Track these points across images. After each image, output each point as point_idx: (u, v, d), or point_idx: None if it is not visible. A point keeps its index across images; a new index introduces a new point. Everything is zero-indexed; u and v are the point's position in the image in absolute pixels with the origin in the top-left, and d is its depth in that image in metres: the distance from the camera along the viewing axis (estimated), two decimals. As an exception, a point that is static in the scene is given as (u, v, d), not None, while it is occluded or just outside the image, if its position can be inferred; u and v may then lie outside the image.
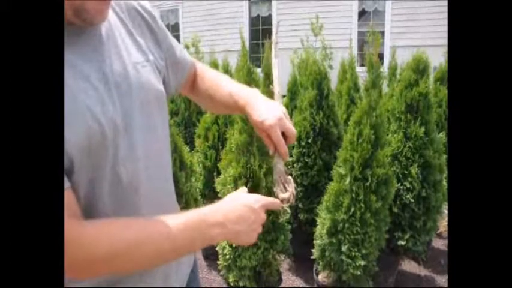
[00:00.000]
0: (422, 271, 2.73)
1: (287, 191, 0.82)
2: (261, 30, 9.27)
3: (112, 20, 0.73)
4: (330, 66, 5.62)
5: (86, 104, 0.62)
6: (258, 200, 0.74)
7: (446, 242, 3.16)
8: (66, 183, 0.60)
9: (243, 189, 0.79)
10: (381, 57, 7.39)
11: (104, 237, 0.62)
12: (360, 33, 8.11)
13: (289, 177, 0.84)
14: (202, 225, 0.68)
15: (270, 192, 1.90)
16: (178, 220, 0.67)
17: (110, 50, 0.69)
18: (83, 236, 0.60)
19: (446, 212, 3.37)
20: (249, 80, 1.97)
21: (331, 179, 2.05)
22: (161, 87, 0.80)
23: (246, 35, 9.13)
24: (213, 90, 0.96)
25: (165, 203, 0.81)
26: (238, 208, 0.72)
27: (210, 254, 2.64)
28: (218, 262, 2.05)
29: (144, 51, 0.77)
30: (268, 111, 0.84)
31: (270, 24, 9.08)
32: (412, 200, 2.21)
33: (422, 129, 2.23)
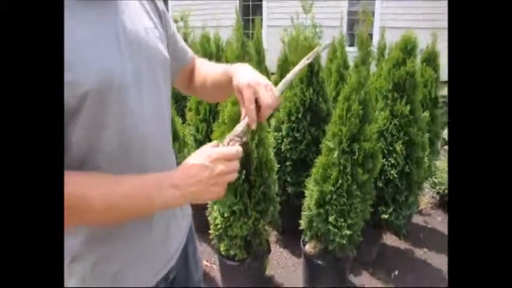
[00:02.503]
0: (402, 244, 2.87)
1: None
2: (251, 6, 9.17)
3: None
4: (320, 45, 5.62)
5: (98, 54, 0.68)
6: (210, 154, 0.72)
7: (425, 218, 3.30)
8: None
9: (207, 145, 0.77)
10: (370, 37, 7.41)
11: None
12: (350, 13, 8.10)
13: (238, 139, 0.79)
14: (158, 185, 0.70)
15: (261, 164, 1.96)
16: (136, 180, 0.70)
17: (123, 12, 0.75)
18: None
19: (427, 190, 3.51)
20: (243, 52, 1.99)
21: (319, 154, 2.11)
22: (166, 53, 0.86)
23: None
24: (209, 76, 0.99)
25: (166, 155, 0.87)
26: (190, 169, 0.71)
27: (201, 226, 2.70)
28: (209, 232, 2.11)
29: (155, 23, 0.85)
30: (249, 75, 0.84)
31: (261, 0, 8.99)
32: (395, 176, 2.30)
33: (408, 107, 2.30)
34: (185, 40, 4.93)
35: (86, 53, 0.66)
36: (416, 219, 3.25)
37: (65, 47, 0.63)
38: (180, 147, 2.01)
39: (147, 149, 0.78)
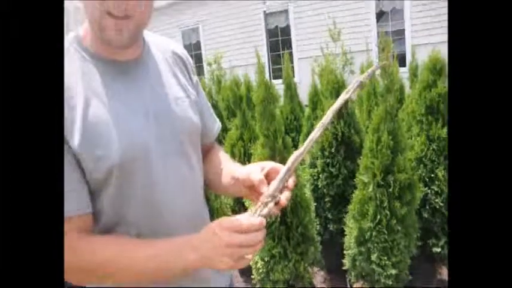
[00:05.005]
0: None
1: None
2: (280, 41, 9.35)
3: (158, 59, 0.86)
4: (352, 71, 5.59)
5: (125, 130, 0.74)
6: (221, 222, 0.69)
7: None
8: (89, 209, 0.73)
9: (241, 215, 0.73)
10: (402, 57, 7.27)
11: (90, 250, 0.71)
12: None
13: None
14: (179, 249, 0.71)
15: (296, 204, 1.94)
16: (159, 245, 0.72)
17: (152, 84, 0.81)
18: (74, 246, 0.69)
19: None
20: (267, 95, 2.02)
21: (357, 187, 2.06)
22: (197, 120, 0.89)
23: (265, 48, 9.27)
24: (230, 172, 0.93)
25: (196, 218, 0.88)
26: (207, 232, 0.70)
27: (246, 270, 2.69)
28: (252, 276, 2.10)
29: (186, 89, 0.88)
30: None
31: (289, 34, 9.15)
32: (441, 204, 2.18)
33: (445, 130, 2.21)
34: (219, 82, 5.07)
35: (114, 130, 0.72)
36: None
37: (96, 124, 0.70)
38: (217, 194, 2.05)
39: (174, 216, 0.81)
